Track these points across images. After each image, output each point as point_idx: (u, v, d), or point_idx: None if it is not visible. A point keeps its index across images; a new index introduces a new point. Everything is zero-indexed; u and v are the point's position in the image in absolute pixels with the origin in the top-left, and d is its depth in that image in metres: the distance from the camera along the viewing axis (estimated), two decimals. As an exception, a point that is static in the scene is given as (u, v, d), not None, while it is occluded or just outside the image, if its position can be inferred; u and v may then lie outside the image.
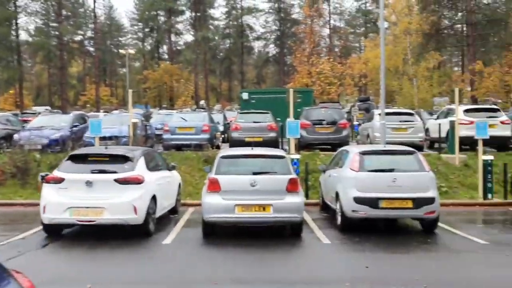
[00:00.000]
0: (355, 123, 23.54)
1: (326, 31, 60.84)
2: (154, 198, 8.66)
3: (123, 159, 8.59)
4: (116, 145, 13.53)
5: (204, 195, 8.40)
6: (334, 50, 57.85)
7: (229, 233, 8.69)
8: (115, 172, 8.29)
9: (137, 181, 8.26)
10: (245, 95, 23.71)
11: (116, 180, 8.15)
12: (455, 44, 46.91)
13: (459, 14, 40.49)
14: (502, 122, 16.00)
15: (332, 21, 63.04)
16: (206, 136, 16.54)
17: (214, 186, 8.15)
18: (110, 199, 8.07)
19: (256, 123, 16.45)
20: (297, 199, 8.19)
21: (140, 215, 8.17)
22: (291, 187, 8.16)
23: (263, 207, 8.02)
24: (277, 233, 8.69)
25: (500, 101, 37.17)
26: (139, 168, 8.53)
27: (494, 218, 10.70)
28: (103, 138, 13.88)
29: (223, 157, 8.69)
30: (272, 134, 16.20)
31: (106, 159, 8.66)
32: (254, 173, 8.25)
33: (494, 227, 9.79)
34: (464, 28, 42.23)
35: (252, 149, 9.17)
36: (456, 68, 62.95)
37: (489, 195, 12.09)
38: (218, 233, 8.57)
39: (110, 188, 8.11)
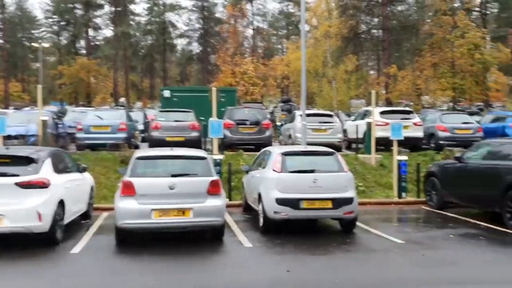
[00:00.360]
0: (278, 123, 23.72)
1: (249, 32, 61.25)
2: (62, 203, 7.96)
3: (27, 160, 7.80)
4: (21, 145, 12.43)
5: (117, 199, 7.83)
6: (257, 51, 58.27)
7: (145, 239, 8.20)
8: (16, 175, 7.50)
9: (42, 185, 7.53)
10: (166, 93, 22.96)
11: (17, 184, 7.38)
12: (372, 48, 49.06)
13: (376, 19, 42.32)
14: (415, 124, 16.78)
15: (255, 22, 63.56)
16: (123, 135, 15.72)
17: (129, 190, 7.62)
18: (11, 205, 7.28)
19: (178, 122, 15.92)
20: (219, 202, 7.90)
21: (45, 222, 7.45)
22: (213, 189, 7.86)
23: (183, 211, 7.63)
24: (197, 237, 8.32)
25: (412, 103, 39.39)
26: (45, 171, 7.79)
27: (408, 217, 11.11)
28: (8, 137, 12.74)
29: (139, 158, 8.16)
30: (195, 134, 15.76)
31: (6, 160, 7.83)
32: (173, 175, 7.83)
33: (408, 226, 10.14)
34: (380, 33, 44.24)
35: (171, 149, 8.71)
36: (372, 72, 65.94)
37: (403, 194, 12.59)
38: (133, 240, 8.05)
39: (11, 193, 7.33)
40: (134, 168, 7.92)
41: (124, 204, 7.62)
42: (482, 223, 9.62)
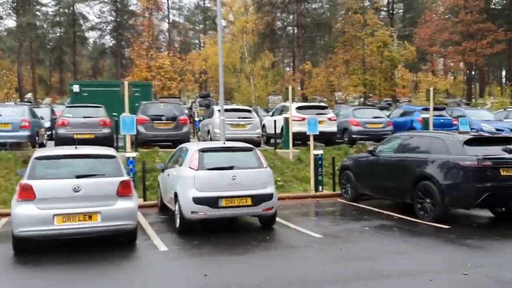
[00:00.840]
0: (196, 119, 23.28)
1: (165, 26, 59.84)
2: None
3: None
4: None
5: (14, 204, 7.04)
6: (173, 45, 57.08)
7: (47, 248, 7.45)
8: None
9: None
10: (76, 88, 21.66)
11: None
12: (287, 45, 50.05)
13: (291, 17, 43.13)
14: (329, 119, 17.17)
15: (171, 16, 62.25)
16: (26, 133, 14.42)
17: (27, 194, 6.86)
18: None
19: (87, 118, 14.97)
20: (130, 203, 7.36)
21: None
22: (123, 190, 7.30)
23: (89, 216, 7.00)
24: (107, 243, 7.71)
25: (325, 99, 40.71)
26: None
27: (325, 210, 11.24)
28: None
29: (39, 158, 7.37)
30: (106, 131, 14.92)
31: None
32: (78, 177, 7.16)
33: (326, 219, 10.21)
34: (295, 30, 45.18)
35: (75, 148, 7.98)
36: (288, 69, 67.41)
37: (320, 188, 12.79)
38: (34, 249, 7.28)
39: None
40: (33, 169, 7.15)
41: (21, 210, 6.85)
42: (395, 214, 9.94)
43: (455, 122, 17.76)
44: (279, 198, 10.01)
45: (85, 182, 7.12)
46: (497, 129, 18.02)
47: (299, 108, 17.28)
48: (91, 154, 7.71)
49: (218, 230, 8.65)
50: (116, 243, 7.67)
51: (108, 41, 66.42)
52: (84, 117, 14.98)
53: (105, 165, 7.50)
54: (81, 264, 6.73)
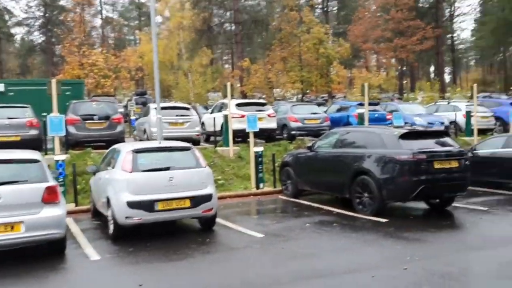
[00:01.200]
0: (132, 117, 22.49)
1: (98, 22, 57.66)
2: None
3: None
4: None
5: None
6: (107, 41, 55.11)
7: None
8: None
9: None
10: (0, 87, 20.25)
11: None
12: (225, 41, 49.79)
13: (228, 13, 42.90)
14: (269, 115, 17.12)
15: (104, 12, 60.05)
16: None
17: None
18: None
19: (12, 119, 13.96)
20: (57, 211, 6.82)
21: None
22: (49, 197, 6.76)
23: (11, 226, 6.42)
24: (32, 254, 7.11)
25: (265, 96, 40.84)
26: None
27: (266, 208, 11.12)
28: None
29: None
30: (33, 132, 14.00)
31: None
32: (-3, 184, 6.55)
33: (267, 217, 10.08)
34: (233, 27, 45.00)
35: (-7, 152, 7.32)
36: (227, 65, 67.19)
37: (261, 185, 12.69)
38: None
39: None
40: None
41: None
42: (334, 209, 9.98)
43: (389, 117, 18.27)
44: (220, 197, 9.81)
45: (5, 189, 6.51)
46: (429, 123, 18.77)
47: (238, 105, 17.12)
48: (11, 159, 7.05)
49: (155, 235, 8.26)
50: (43, 255, 7.09)
51: (37, 37, 63.09)
52: (9, 118, 13.97)
53: (28, 170, 6.90)
54: (1, 280, 6.14)
